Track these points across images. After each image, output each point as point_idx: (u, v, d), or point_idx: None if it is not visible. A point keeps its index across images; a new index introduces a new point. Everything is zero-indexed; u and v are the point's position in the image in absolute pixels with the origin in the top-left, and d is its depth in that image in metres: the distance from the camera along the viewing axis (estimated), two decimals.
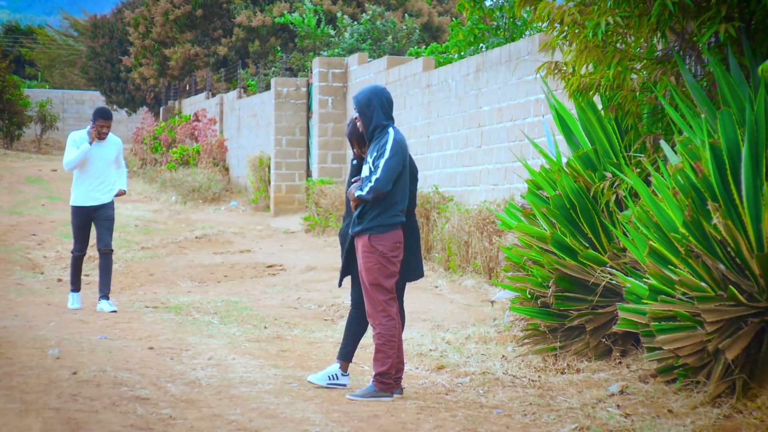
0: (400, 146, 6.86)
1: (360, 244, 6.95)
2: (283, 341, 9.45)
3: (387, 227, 6.88)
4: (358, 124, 7.06)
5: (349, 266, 7.23)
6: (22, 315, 10.45)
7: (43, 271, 15.27)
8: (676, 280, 6.54)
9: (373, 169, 6.85)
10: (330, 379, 7.23)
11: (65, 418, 5.95)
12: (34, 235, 18.64)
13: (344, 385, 7.24)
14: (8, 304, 11.41)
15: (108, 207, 11.09)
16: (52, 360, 7.80)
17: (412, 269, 7.20)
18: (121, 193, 11.22)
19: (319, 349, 9.02)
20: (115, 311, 10.81)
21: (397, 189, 6.91)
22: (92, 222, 11.07)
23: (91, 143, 10.94)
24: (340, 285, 7.42)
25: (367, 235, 6.89)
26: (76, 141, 11.00)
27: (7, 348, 8.25)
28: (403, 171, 6.94)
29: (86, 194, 11.03)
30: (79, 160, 10.94)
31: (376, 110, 6.92)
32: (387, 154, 6.82)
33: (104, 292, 10.98)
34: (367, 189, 6.84)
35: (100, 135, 10.97)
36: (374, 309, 6.93)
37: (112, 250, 11.14)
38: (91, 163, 11.01)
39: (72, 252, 11.18)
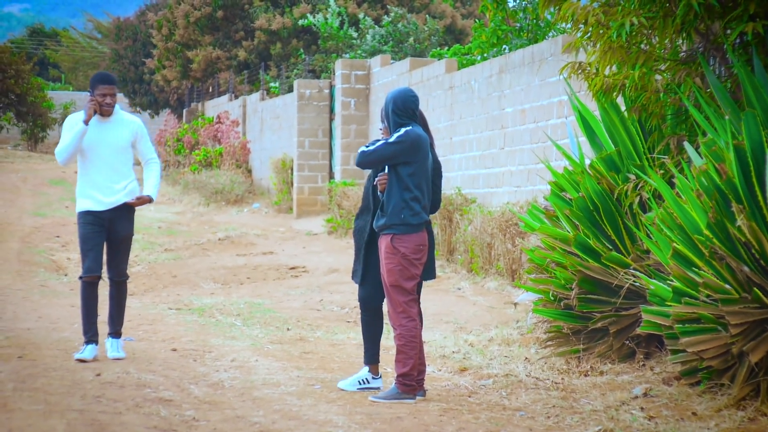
0: (409, 137, 6.86)
1: (383, 245, 6.94)
2: (306, 343, 9.46)
3: (411, 228, 6.87)
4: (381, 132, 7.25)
5: (368, 265, 7.22)
6: (46, 317, 10.50)
7: (66, 272, 15.33)
8: (700, 282, 6.50)
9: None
10: (360, 384, 7.22)
11: (89, 420, 5.98)
12: (57, 237, 18.72)
13: (378, 388, 7.23)
14: (32, 305, 11.46)
15: (126, 220, 8.15)
16: (75, 362, 7.84)
17: (425, 269, 7.16)
18: (145, 200, 8.16)
19: (341, 350, 9.02)
20: (121, 358, 8.05)
21: (419, 184, 6.90)
22: (105, 236, 8.13)
23: (87, 121, 7.93)
24: (358, 281, 7.29)
25: (391, 235, 6.89)
26: (72, 124, 8.05)
27: (32, 350, 8.29)
28: (423, 168, 6.92)
29: (90, 196, 8.06)
30: (72, 146, 7.96)
31: (391, 116, 7.01)
32: (391, 139, 6.89)
33: (114, 328, 8.17)
34: (360, 152, 7.00)
35: (102, 108, 7.98)
36: (394, 310, 6.93)
37: (128, 278, 8.32)
38: (93, 150, 8.03)
39: (80, 277, 8.15)
